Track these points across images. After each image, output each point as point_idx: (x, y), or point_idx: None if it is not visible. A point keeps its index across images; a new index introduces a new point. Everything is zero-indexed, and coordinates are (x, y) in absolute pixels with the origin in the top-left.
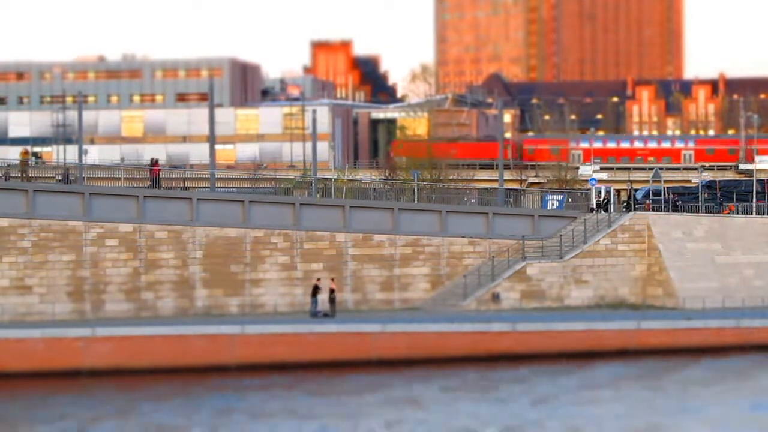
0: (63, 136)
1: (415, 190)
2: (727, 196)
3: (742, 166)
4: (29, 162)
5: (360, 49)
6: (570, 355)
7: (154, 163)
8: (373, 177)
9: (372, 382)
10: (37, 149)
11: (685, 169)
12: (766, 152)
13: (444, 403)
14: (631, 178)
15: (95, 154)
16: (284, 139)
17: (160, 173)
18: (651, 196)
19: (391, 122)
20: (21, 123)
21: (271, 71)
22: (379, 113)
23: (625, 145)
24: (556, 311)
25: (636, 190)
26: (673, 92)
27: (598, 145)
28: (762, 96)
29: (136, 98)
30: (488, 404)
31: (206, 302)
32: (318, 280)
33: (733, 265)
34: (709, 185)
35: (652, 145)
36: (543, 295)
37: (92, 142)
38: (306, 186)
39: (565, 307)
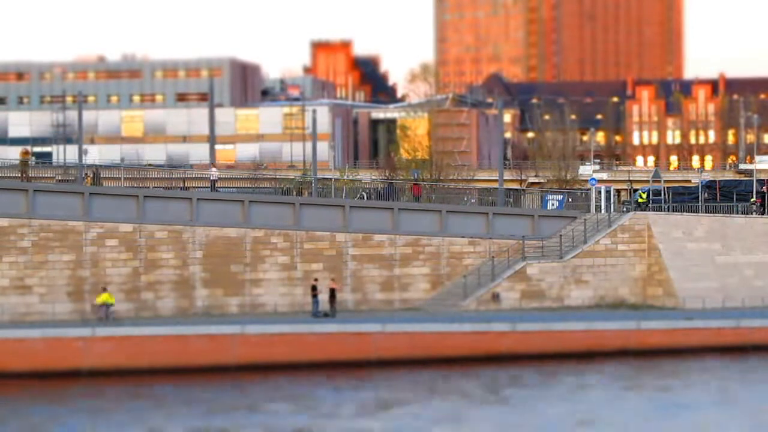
0: (63, 136)
1: None
2: (727, 196)
3: (742, 166)
4: (29, 162)
5: (360, 49)
6: (570, 355)
7: (416, 178)
8: (373, 177)
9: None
10: (37, 149)
11: None
12: None
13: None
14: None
15: (95, 154)
16: (284, 139)
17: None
18: (651, 196)
19: (391, 122)
20: (21, 123)
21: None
22: (379, 113)
23: None
24: (556, 311)
25: (635, 191)
26: (673, 92)
27: None
28: (762, 96)
29: (136, 98)
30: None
31: (206, 302)
32: (315, 280)
33: (733, 265)
34: (709, 185)
35: None
36: (543, 295)
37: (92, 142)
38: (306, 186)
39: (565, 307)
